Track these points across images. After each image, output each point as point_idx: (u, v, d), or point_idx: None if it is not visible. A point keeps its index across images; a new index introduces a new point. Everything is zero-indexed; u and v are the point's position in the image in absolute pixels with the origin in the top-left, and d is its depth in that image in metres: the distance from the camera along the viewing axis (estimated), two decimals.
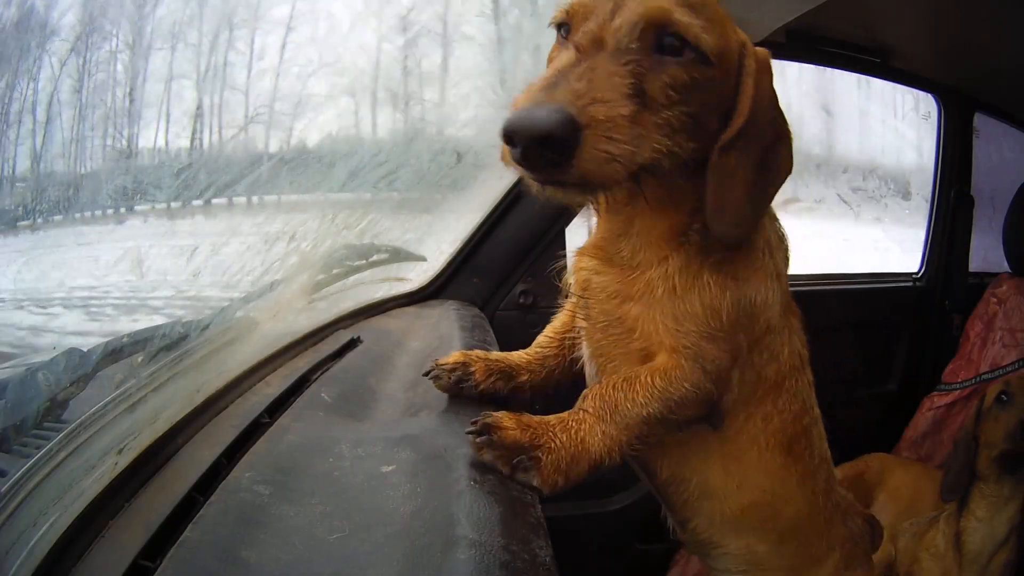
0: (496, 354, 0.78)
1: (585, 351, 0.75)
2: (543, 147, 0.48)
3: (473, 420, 0.61)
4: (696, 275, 0.65)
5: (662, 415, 0.64)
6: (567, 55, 0.53)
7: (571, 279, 0.75)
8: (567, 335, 0.79)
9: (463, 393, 0.73)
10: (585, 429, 0.63)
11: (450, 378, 0.73)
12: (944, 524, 1.30)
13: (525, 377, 0.77)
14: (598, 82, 0.50)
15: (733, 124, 0.60)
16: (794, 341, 0.75)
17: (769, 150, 0.64)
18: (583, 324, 0.74)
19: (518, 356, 0.78)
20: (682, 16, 0.55)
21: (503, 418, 0.61)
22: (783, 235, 0.74)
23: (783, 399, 0.74)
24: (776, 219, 0.74)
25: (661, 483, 0.77)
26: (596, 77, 0.51)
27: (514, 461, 0.59)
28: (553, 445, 0.61)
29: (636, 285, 0.68)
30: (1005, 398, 1.27)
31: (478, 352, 0.77)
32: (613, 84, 0.51)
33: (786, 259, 0.74)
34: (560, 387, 0.79)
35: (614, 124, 0.50)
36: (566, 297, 0.79)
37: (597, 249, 0.71)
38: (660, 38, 0.55)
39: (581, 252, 0.74)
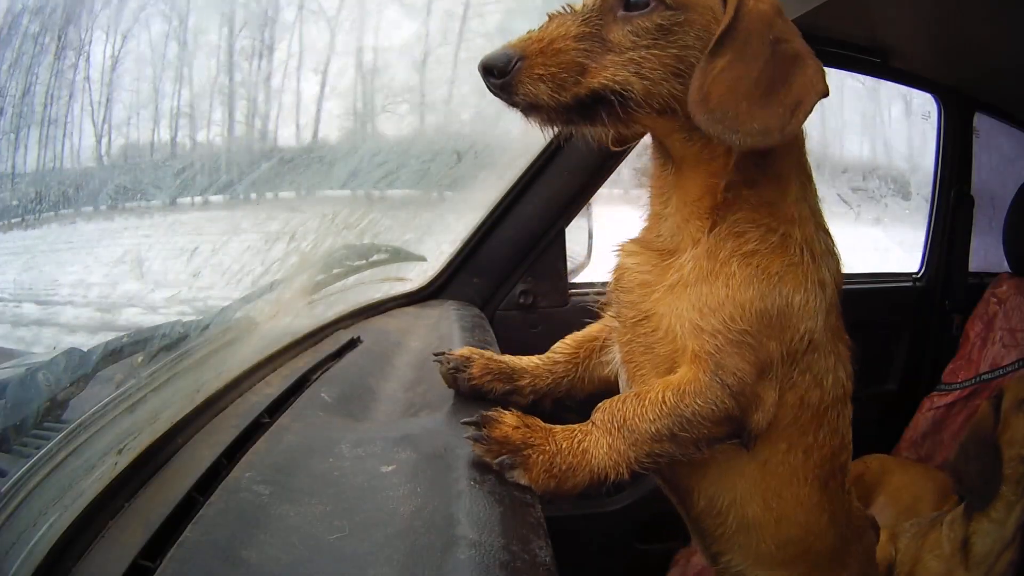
0: (502, 356, 0.78)
1: (617, 356, 0.74)
2: (489, 75, 0.61)
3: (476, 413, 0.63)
4: (724, 262, 0.65)
5: (672, 432, 0.63)
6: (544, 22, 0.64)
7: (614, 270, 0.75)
8: (587, 344, 0.79)
9: (457, 384, 0.75)
10: (590, 441, 0.63)
11: (449, 364, 0.76)
12: (948, 529, 1.28)
13: (526, 381, 0.77)
14: (548, 31, 0.62)
15: (716, 31, 0.63)
16: (840, 370, 0.72)
17: (778, 68, 0.63)
18: (614, 324, 0.73)
19: (526, 360, 0.78)
20: None
21: (504, 415, 0.62)
22: (832, 249, 0.71)
23: (823, 432, 0.72)
24: (828, 232, 0.71)
25: (698, 514, 0.75)
26: (550, 28, 0.62)
27: (497, 460, 0.60)
28: (547, 448, 0.61)
29: (668, 273, 0.67)
30: None
31: (485, 352, 0.78)
32: (561, 32, 0.62)
33: (834, 273, 0.70)
34: (572, 395, 0.78)
35: (546, 55, 0.61)
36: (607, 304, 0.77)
37: (639, 237, 0.73)
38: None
39: (625, 242, 0.74)
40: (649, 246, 0.71)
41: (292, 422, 0.69)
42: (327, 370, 0.86)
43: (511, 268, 1.36)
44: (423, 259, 1.37)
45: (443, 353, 0.77)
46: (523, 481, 0.60)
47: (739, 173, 0.66)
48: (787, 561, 0.76)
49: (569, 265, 1.41)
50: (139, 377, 0.72)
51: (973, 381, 1.75)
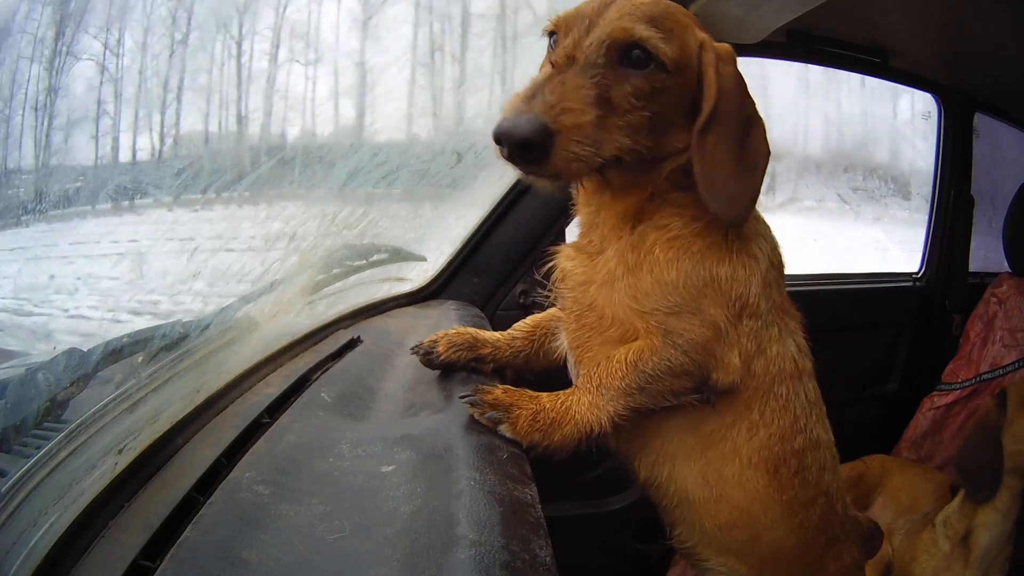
0: (463, 329, 0.85)
1: (564, 342, 0.79)
2: (523, 150, 0.59)
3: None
4: (648, 251, 0.70)
5: (640, 385, 0.69)
6: (546, 70, 0.64)
7: (555, 273, 0.81)
8: (544, 323, 0.86)
9: (431, 364, 0.83)
10: (572, 400, 0.71)
11: (421, 352, 0.83)
12: (943, 527, 1.28)
13: (488, 351, 0.84)
14: (568, 94, 0.60)
15: (704, 110, 0.67)
16: (787, 343, 0.75)
17: (744, 136, 0.68)
18: (561, 315, 0.79)
19: (489, 333, 0.86)
20: (643, 31, 0.64)
21: (495, 388, 0.70)
22: (764, 232, 0.75)
23: (771, 408, 0.73)
24: (758, 219, 0.76)
25: (642, 483, 0.79)
26: (566, 90, 0.61)
27: (487, 415, 0.67)
28: (531, 406, 0.69)
29: (598, 269, 0.73)
30: None
31: (450, 330, 0.85)
32: (580, 96, 0.61)
33: (768, 251, 0.74)
34: (529, 368, 0.86)
35: (579, 130, 0.60)
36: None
37: (575, 243, 0.79)
38: (625, 52, 0.64)
39: (562, 247, 0.81)
40: (582, 250, 0.77)
41: (292, 422, 0.69)
42: (327, 370, 0.86)
43: (511, 268, 1.36)
44: (423, 259, 1.37)
45: (416, 345, 0.85)
46: (509, 434, 0.67)
47: (668, 183, 0.71)
48: (734, 548, 0.77)
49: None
50: (139, 377, 0.72)
51: (973, 381, 1.75)
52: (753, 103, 0.71)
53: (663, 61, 0.64)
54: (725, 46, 0.70)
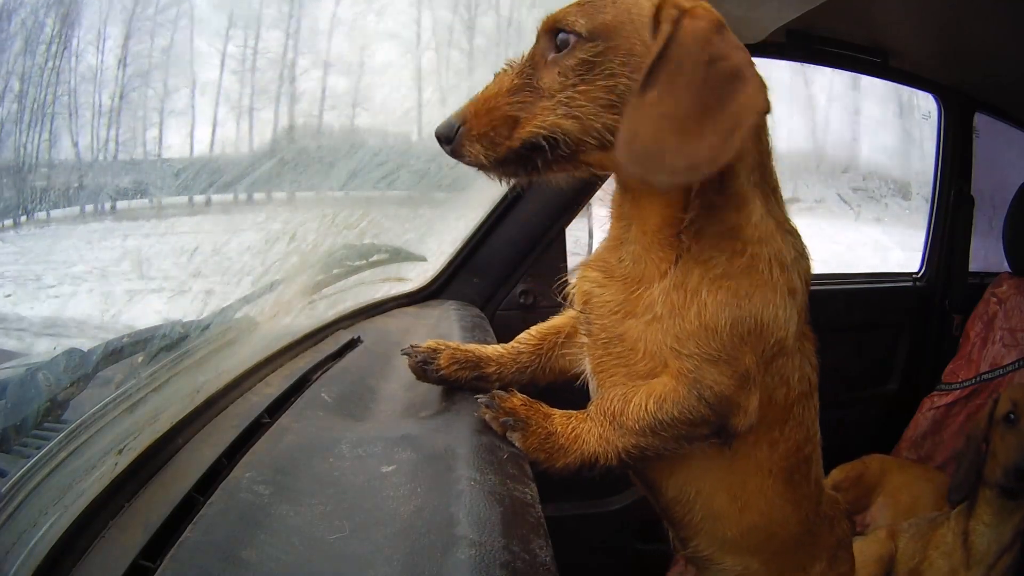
0: (467, 345, 0.81)
1: (587, 367, 0.76)
2: (439, 142, 0.67)
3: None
4: (694, 292, 0.66)
5: (653, 430, 0.68)
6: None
7: (573, 291, 0.77)
8: (550, 337, 0.82)
9: (426, 375, 0.78)
10: (584, 428, 0.69)
11: (417, 358, 0.78)
12: (954, 521, 1.29)
13: (492, 369, 0.79)
14: (488, 90, 0.66)
15: (646, 63, 0.61)
16: (805, 366, 0.74)
17: (713, 90, 0.59)
18: (585, 340, 0.75)
19: (492, 349, 0.81)
20: (562, 14, 0.65)
21: (515, 395, 0.70)
22: (803, 251, 0.71)
23: (790, 426, 0.75)
24: (796, 234, 0.72)
25: (667, 502, 0.78)
26: (489, 88, 0.66)
27: (502, 420, 0.67)
28: (545, 427, 0.68)
29: (638, 303, 0.69)
30: (1013, 417, 1.24)
31: (449, 342, 0.81)
32: (495, 89, 0.66)
33: (804, 276, 0.71)
34: (535, 383, 0.82)
35: (480, 116, 0.65)
36: (568, 306, 0.80)
37: (600, 261, 0.74)
38: (554, 38, 0.65)
39: (584, 264, 0.76)
40: (612, 272, 0.72)
41: (292, 422, 0.69)
42: (327, 370, 0.86)
43: (511, 268, 1.36)
44: (423, 259, 1.37)
45: (409, 347, 0.79)
46: (518, 444, 0.67)
47: (699, 200, 0.66)
48: (751, 548, 0.80)
49: (569, 265, 1.41)
50: (139, 377, 0.72)
51: (973, 381, 1.75)
52: (736, 47, 0.62)
53: (579, 31, 0.63)
54: (703, 4, 0.64)
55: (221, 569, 0.45)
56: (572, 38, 0.63)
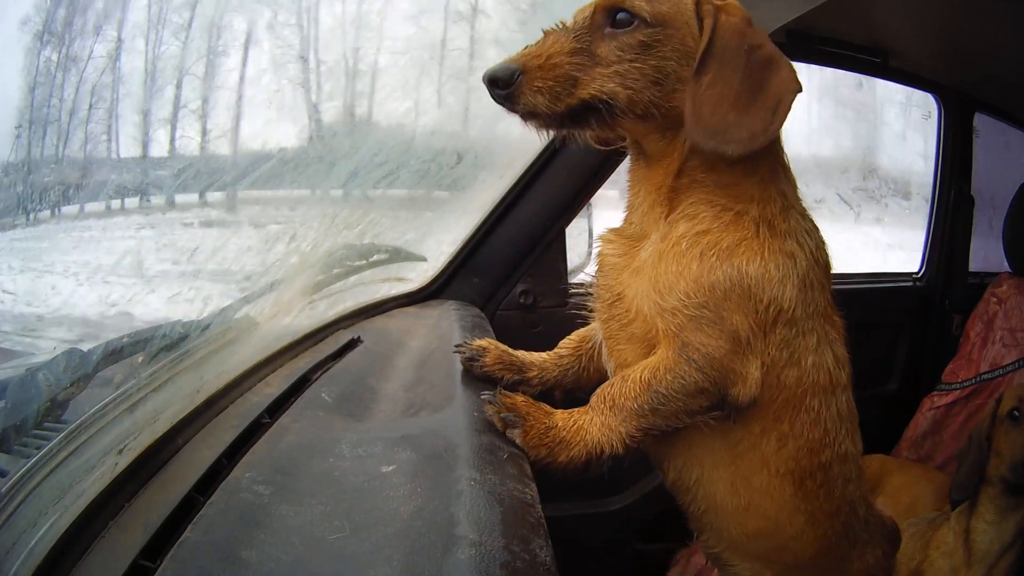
0: (515, 352, 0.84)
1: (599, 334, 0.79)
2: (492, 85, 0.68)
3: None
4: (675, 242, 0.69)
5: (653, 407, 0.69)
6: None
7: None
8: (589, 338, 0.84)
9: (473, 370, 0.82)
10: (585, 419, 0.70)
11: (467, 353, 0.82)
12: (955, 521, 1.29)
13: (534, 373, 0.83)
14: (545, 46, 0.68)
15: (697, 53, 0.69)
16: (825, 353, 0.72)
17: (755, 77, 0.68)
18: (595, 304, 0.78)
19: (536, 356, 0.85)
20: None
21: (517, 396, 0.71)
22: (802, 227, 0.72)
23: (801, 420, 0.72)
24: (803, 214, 0.73)
25: (671, 485, 0.79)
26: (544, 44, 0.68)
27: (502, 416, 0.68)
28: (545, 421, 0.69)
29: (635, 259, 0.73)
30: (1017, 414, 1.23)
31: (501, 345, 0.84)
32: (554, 47, 0.68)
33: (806, 247, 0.70)
34: (580, 386, 0.83)
35: (543, 70, 0.67)
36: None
37: (618, 228, 0.78)
38: (612, 16, 0.69)
39: (604, 232, 0.80)
40: (623, 234, 0.77)
41: (292, 422, 0.69)
42: (327, 370, 0.86)
43: (511, 268, 1.36)
44: (423, 259, 1.37)
45: (464, 344, 0.84)
46: (518, 440, 0.67)
47: (696, 158, 0.71)
48: (761, 556, 0.78)
49: (569, 265, 1.41)
50: (139, 377, 0.72)
51: (973, 381, 1.75)
52: (770, 47, 0.71)
53: (643, 17, 0.68)
54: (732, 1, 0.72)
55: (221, 569, 0.45)
56: (635, 20, 0.68)
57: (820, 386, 0.72)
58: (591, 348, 0.83)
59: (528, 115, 0.69)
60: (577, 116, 0.69)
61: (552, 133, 0.73)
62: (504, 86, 0.67)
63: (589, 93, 0.68)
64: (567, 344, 0.85)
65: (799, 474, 0.73)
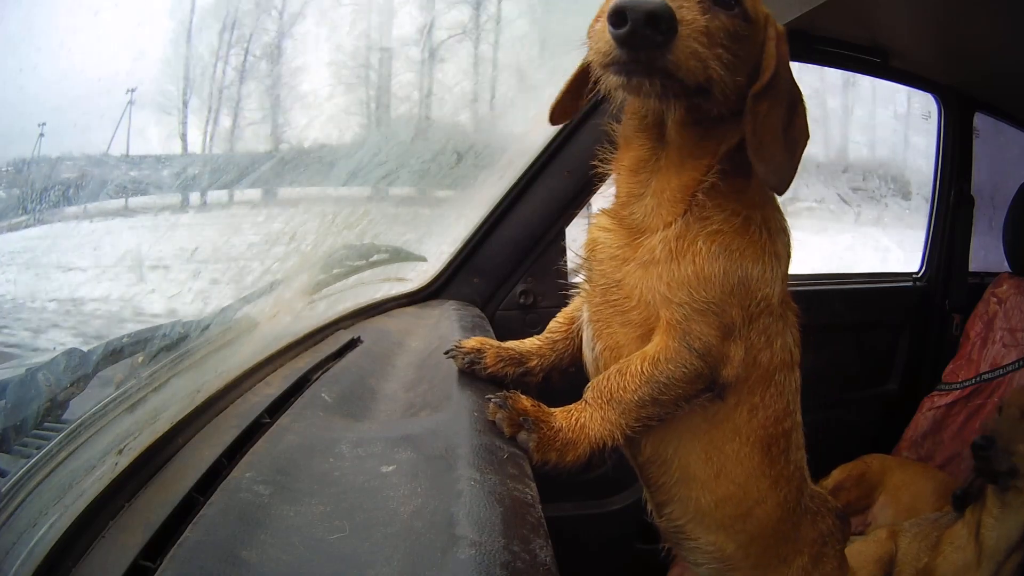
0: (509, 343, 0.84)
1: (584, 314, 0.79)
2: (650, 25, 0.57)
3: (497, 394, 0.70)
4: (692, 241, 0.71)
5: (653, 398, 0.71)
6: None
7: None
8: (575, 317, 0.85)
9: (475, 374, 0.80)
10: (585, 416, 0.71)
11: (464, 359, 0.80)
12: (969, 513, 1.30)
13: (535, 362, 0.83)
14: (683, 12, 0.60)
15: (763, 76, 0.69)
16: (787, 335, 0.78)
17: (791, 113, 0.71)
18: (585, 287, 0.79)
19: (530, 343, 0.85)
20: None
21: (521, 396, 0.70)
22: (785, 227, 0.77)
23: (770, 393, 0.77)
24: (780, 211, 0.77)
25: (644, 461, 0.80)
26: (683, 9, 0.60)
27: (519, 419, 0.67)
28: (552, 425, 0.69)
29: (639, 249, 0.73)
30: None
31: (493, 341, 0.83)
32: (691, 6, 0.61)
33: (787, 247, 0.76)
34: (574, 364, 0.85)
35: (698, 31, 0.61)
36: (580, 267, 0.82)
37: (612, 211, 0.78)
38: None
39: (599, 211, 0.80)
40: (622, 223, 0.76)
41: (292, 422, 0.69)
42: (327, 370, 0.86)
43: (511, 268, 1.36)
44: (423, 259, 1.37)
45: (454, 348, 0.82)
46: (531, 446, 0.67)
47: (725, 163, 0.72)
48: (725, 524, 0.80)
49: (569, 265, 1.41)
50: (139, 377, 0.72)
51: (973, 381, 1.75)
52: (798, 88, 0.73)
53: (746, 8, 0.66)
54: (782, 27, 0.72)
55: (221, 569, 0.45)
56: (736, 8, 0.65)
57: (785, 363, 0.78)
58: (579, 328, 0.83)
59: (659, 75, 0.60)
60: (684, 91, 0.63)
61: (644, 97, 0.66)
62: (662, 29, 0.57)
63: (715, 73, 0.63)
64: (557, 328, 0.86)
65: (766, 440, 0.78)
